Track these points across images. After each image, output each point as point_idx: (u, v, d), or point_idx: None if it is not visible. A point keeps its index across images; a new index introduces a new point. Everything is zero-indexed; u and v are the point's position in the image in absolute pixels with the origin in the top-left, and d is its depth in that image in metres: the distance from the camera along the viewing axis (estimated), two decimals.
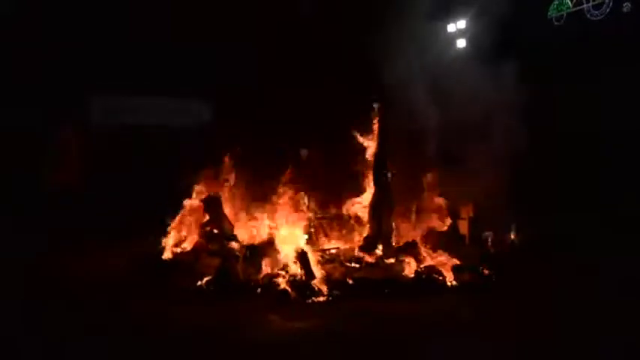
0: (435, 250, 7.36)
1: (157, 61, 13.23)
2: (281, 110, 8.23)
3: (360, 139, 7.84)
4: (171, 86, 14.41)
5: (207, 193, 7.97)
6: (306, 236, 7.21)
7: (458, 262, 7.11)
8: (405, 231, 7.88)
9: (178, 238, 7.88)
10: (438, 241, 7.65)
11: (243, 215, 8.10)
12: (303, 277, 6.35)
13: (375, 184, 7.60)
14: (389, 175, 7.54)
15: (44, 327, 5.18)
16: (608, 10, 10.95)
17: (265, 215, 7.64)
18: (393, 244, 7.42)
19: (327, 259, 7.00)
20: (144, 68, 13.36)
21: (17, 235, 9.42)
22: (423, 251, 7.19)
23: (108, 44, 13.22)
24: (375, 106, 7.82)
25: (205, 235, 7.45)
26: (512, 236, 8.64)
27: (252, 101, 8.62)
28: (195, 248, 7.54)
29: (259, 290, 6.36)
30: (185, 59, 12.58)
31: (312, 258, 6.69)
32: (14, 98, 12.55)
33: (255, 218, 7.83)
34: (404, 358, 4.58)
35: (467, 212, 8.10)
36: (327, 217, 8.02)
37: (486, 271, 7.12)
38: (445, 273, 6.81)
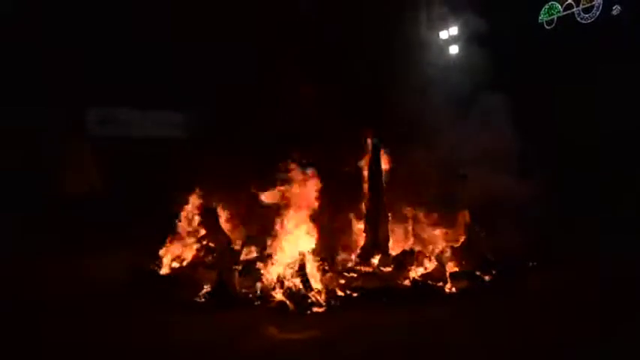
0: (432, 258, 7.36)
1: (158, 67, 13.26)
2: (279, 118, 8.21)
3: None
4: (171, 93, 14.45)
5: (203, 206, 7.96)
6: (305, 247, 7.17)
7: (455, 269, 7.11)
8: (402, 239, 7.86)
9: (176, 252, 7.86)
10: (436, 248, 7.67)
11: (240, 227, 8.09)
12: (301, 289, 6.32)
13: (369, 192, 7.61)
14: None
15: (42, 341, 5.18)
16: (598, 13, 11.05)
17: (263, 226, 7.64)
18: (390, 252, 7.40)
19: (324, 270, 6.96)
20: (144, 75, 13.40)
21: (16, 238, 9.49)
22: (420, 259, 7.17)
23: (108, 50, 13.25)
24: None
25: (202, 248, 7.43)
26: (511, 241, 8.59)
27: (251, 110, 8.60)
28: (193, 261, 7.53)
29: (257, 302, 6.34)
30: (185, 65, 12.57)
31: (310, 269, 6.67)
32: (18, 98, 12.60)
33: (252, 229, 7.82)
34: None
35: (463, 218, 8.07)
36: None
37: (485, 277, 7.11)
38: (443, 280, 6.79)
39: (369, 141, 7.73)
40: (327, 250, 7.14)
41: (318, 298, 6.21)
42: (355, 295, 6.41)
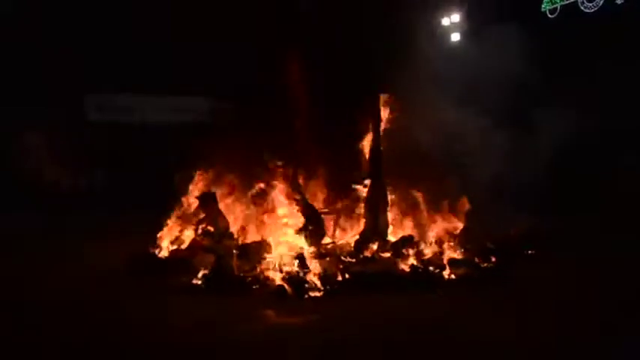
0: (431, 244, 7.37)
1: (156, 57, 13.23)
2: (279, 106, 8.20)
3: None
4: (170, 83, 14.44)
5: (202, 190, 7.95)
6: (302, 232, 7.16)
7: (454, 256, 7.11)
8: (402, 225, 7.85)
9: (175, 236, 7.86)
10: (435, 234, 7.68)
11: (239, 212, 8.09)
12: (299, 273, 6.32)
13: (370, 179, 7.60)
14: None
15: (44, 323, 5.19)
16: (602, 2, 10.95)
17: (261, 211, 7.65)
18: (389, 238, 7.39)
19: (323, 254, 6.96)
20: (142, 64, 13.38)
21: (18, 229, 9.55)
22: (419, 245, 7.17)
23: (107, 43, 13.24)
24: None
25: (200, 233, 7.42)
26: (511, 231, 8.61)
27: (250, 97, 8.59)
28: (192, 245, 7.53)
29: (256, 286, 6.34)
30: (184, 56, 12.58)
31: (309, 253, 6.67)
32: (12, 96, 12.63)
33: (251, 215, 7.82)
34: (399, 356, 4.53)
35: (463, 206, 8.07)
36: (323, 212, 7.98)
37: (483, 265, 7.11)
38: (441, 267, 6.80)
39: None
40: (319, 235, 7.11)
41: (316, 282, 6.19)
42: (354, 280, 6.40)
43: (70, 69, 13.19)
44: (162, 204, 8.28)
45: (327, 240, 7.54)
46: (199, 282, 6.44)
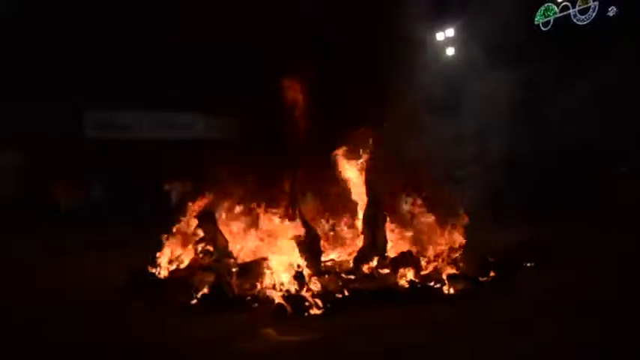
0: (430, 259, 7.37)
1: (155, 62, 13.31)
2: (275, 120, 8.25)
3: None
4: (168, 98, 14.50)
5: (201, 209, 7.96)
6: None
7: (453, 271, 7.11)
8: (400, 241, 7.86)
9: (174, 255, 7.86)
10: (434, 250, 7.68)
11: (237, 230, 8.09)
12: (299, 292, 6.32)
13: (368, 196, 7.62)
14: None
15: (41, 344, 5.19)
16: (594, 14, 11.08)
17: (259, 229, 7.65)
18: (388, 254, 7.40)
19: (322, 272, 6.96)
20: (140, 73, 13.45)
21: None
22: (418, 261, 7.17)
23: (105, 46, 13.31)
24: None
25: (199, 252, 7.43)
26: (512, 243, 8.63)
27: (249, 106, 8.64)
28: (191, 265, 7.53)
29: (255, 305, 6.34)
30: (183, 60, 12.64)
31: (307, 271, 6.67)
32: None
33: (249, 233, 7.83)
34: None
35: (462, 220, 8.08)
36: (322, 229, 8.00)
37: (483, 279, 7.12)
38: (440, 282, 6.80)
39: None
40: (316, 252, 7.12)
41: (316, 300, 6.19)
42: (353, 296, 6.39)
43: (69, 77, 13.27)
44: (159, 218, 8.33)
45: (326, 257, 7.54)
46: (199, 301, 6.43)
